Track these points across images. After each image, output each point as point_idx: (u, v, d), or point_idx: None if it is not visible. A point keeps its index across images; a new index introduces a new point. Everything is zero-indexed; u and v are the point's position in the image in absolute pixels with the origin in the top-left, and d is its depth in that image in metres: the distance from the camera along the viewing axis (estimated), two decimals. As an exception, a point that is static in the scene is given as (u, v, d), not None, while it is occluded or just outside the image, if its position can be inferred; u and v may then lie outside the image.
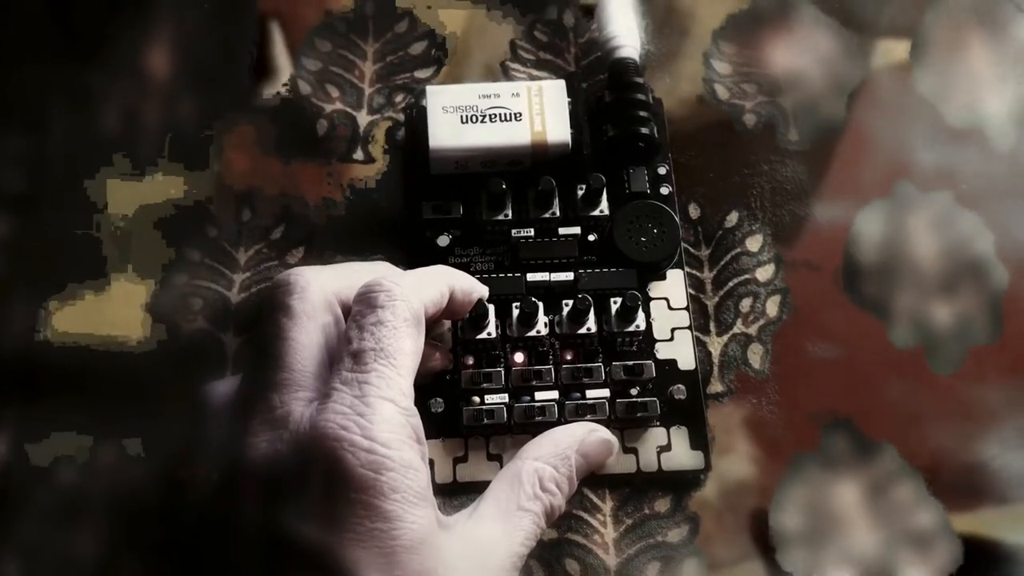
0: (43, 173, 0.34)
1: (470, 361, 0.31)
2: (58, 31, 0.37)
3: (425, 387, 0.30)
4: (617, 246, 0.32)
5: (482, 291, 0.30)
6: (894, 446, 0.31)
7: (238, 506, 0.23)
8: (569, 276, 0.32)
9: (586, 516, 0.30)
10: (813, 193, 0.35)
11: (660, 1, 0.38)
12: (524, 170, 0.33)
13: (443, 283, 0.27)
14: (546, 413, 0.30)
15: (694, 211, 0.34)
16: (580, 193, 0.33)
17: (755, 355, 0.32)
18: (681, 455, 0.30)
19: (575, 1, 0.38)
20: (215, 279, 0.33)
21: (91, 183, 0.34)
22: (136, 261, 0.33)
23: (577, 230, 0.33)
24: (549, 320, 0.31)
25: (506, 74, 0.36)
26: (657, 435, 0.31)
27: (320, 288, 0.26)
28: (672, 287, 0.32)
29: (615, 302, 0.31)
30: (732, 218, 0.34)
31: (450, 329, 0.31)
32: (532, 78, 0.36)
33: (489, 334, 0.30)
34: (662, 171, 0.34)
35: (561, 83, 0.33)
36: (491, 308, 0.30)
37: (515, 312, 0.31)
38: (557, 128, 0.32)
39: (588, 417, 0.30)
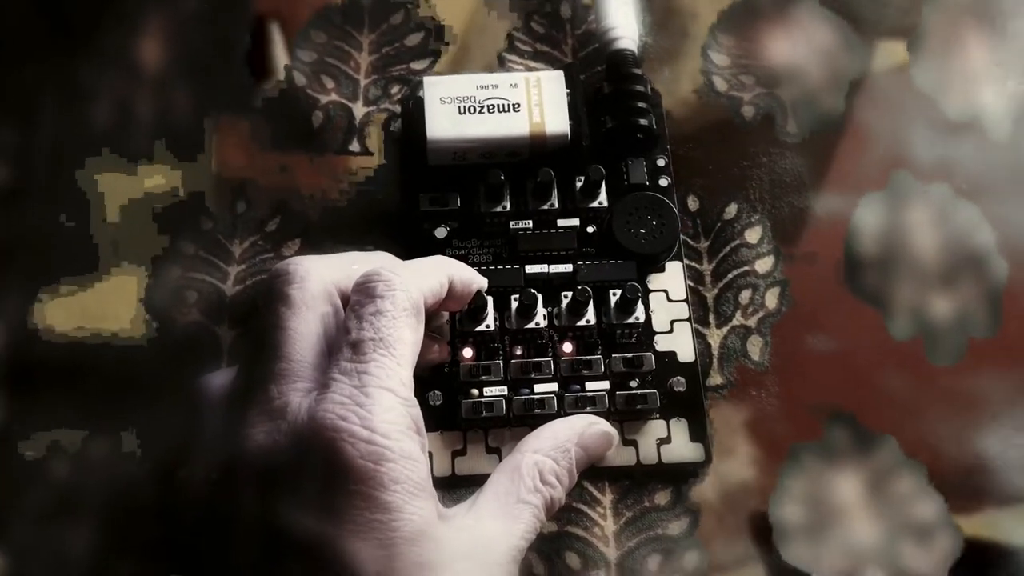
0: (34, 166, 0.34)
1: (469, 353, 0.31)
2: (49, 23, 0.37)
3: (423, 380, 0.30)
4: (616, 238, 0.32)
5: (481, 282, 0.29)
6: (894, 438, 0.31)
7: (236, 499, 0.23)
8: (568, 268, 0.32)
9: (586, 509, 0.30)
10: (812, 185, 0.34)
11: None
12: (522, 161, 0.32)
13: (442, 273, 0.27)
14: (545, 406, 0.30)
15: (693, 203, 0.34)
16: (579, 185, 0.33)
17: (754, 347, 0.32)
18: (681, 447, 0.30)
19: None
20: (209, 271, 0.33)
21: (83, 176, 0.34)
22: (129, 254, 0.33)
23: (576, 222, 0.33)
24: (548, 312, 0.31)
25: (503, 65, 0.36)
26: (657, 427, 0.30)
27: (319, 278, 0.26)
28: (671, 279, 0.32)
29: (614, 294, 0.31)
30: (731, 210, 0.34)
31: (448, 321, 0.31)
32: (529, 70, 0.36)
33: (488, 326, 0.30)
34: (661, 163, 0.34)
35: (559, 74, 0.33)
36: (490, 300, 0.30)
37: (514, 304, 0.31)
38: (556, 119, 0.32)
39: (588, 409, 0.30)
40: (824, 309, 0.33)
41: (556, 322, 0.31)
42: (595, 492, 0.30)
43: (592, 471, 0.30)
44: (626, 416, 0.30)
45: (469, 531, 0.24)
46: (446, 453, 0.30)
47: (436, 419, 0.30)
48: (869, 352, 0.32)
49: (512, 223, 0.32)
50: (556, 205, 0.32)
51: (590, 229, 0.33)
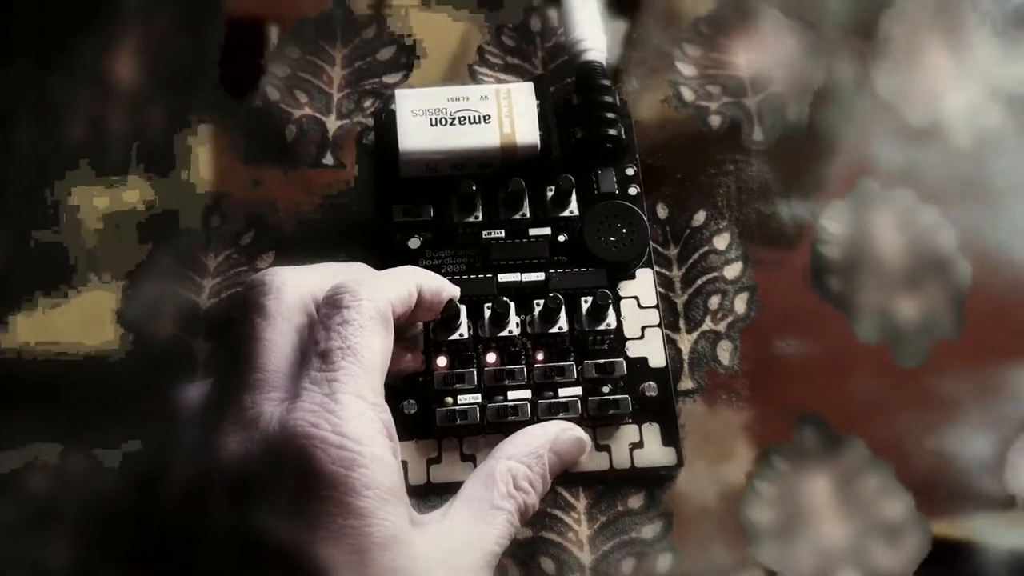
0: (8, 180, 0.34)
1: (443, 362, 0.31)
2: (22, 37, 0.37)
3: (398, 389, 0.30)
4: (587, 246, 0.32)
5: (452, 290, 0.30)
6: (861, 439, 0.31)
7: (209, 509, 0.23)
8: (540, 276, 0.32)
9: (560, 514, 0.30)
10: (778, 191, 0.35)
11: (626, 4, 0.38)
12: (494, 172, 0.33)
13: (411, 282, 0.27)
14: (519, 412, 0.30)
15: (662, 211, 0.35)
16: (550, 194, 0.33)
17: (724, 352, 0.33)
18: (653, 451, 0.31)
19: (542, 6, 0.38)
20: (185, 285, 0.33)
21: (58, 190, 0.34)
22: (104, 268, 0.33)
23: (547, 231, 0.33)
24: (521, 320, 0.31)
25: (474, 78, 0.37)
26: (629, 432, 0.31)
27: (295, 288, 0.26)
28: (642, 286, 0.33)
29: (586, 301, 0.31)
30: (699, 217, 0.35)
31: (422, 330, 0.31)
32: (500, 82, 0.37)
33: (461, 335, 0.30)
34: (630, 172, 0.34)
35: (529, 86, 0.33)
36: (463, 309, 0.30)
37: (487, 313, 0.31)
38: (526, 130, 0.32)
39: (561, 415, 0.30)
40: (792, 313, 0.33)
41: (529, 330, 0.31)
42: (569, 497, 0.31)
43: (566, 476, 0.30)
44: (599, 421, 0.31)
45: (443, 537, 0.25)
46: (421, 461, 0.30)
47: (411, 428, 0.30)
48: (837, 355, 0.33)
49: (484, 233, 0.33)
50: (528, 215, 0.33)
51: (561, 238, 0.33)
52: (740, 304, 0.33)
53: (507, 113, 0.33)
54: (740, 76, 0.37)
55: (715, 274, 0.34)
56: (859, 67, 0.37)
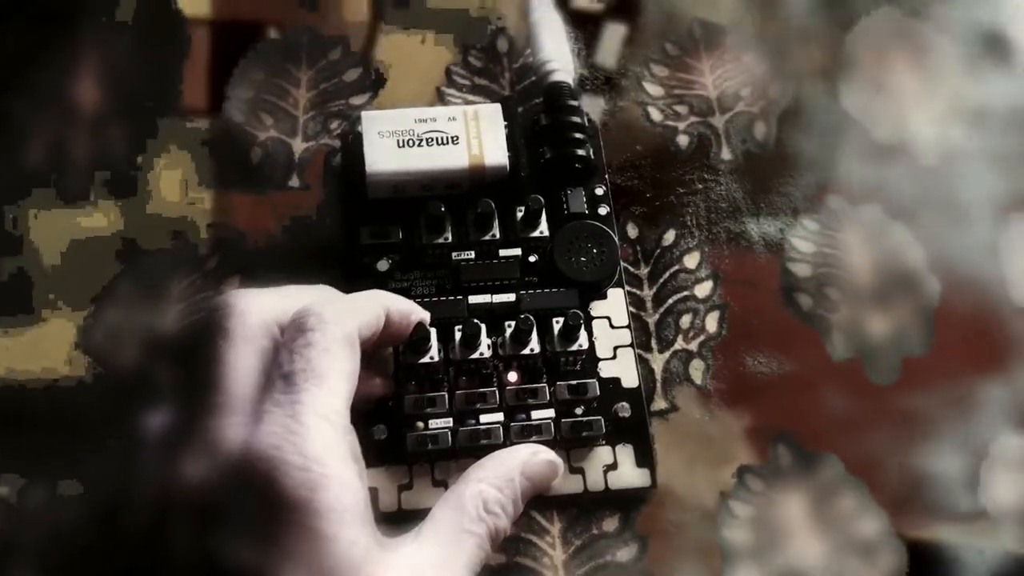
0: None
1: (413, 386, 0.30)
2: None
3: (367, 414, 0.30)
4: (558, 266, 0.32)
5: (421, 314, 0.29)
6: (836, 456, 0.31)
7: (172, 535, 0.23)
8: (511, 297, 0.32)
9: (535, 539, 0.30)
10: (747, 210, 0.35)
11: (591, 25, 0.38)
12: (462, 193, 0.33)
13: (378, 306, 0.27)
14: (491, 436, 0.30)
15: (632, 230, 0.35)
16: (519, 215, 0.33)
17: (697, 371, 0.33)
18: (627, 473, 0.30)
19: (508, 28, 0.38)
20: (149, 311, 0.32)
21: (18, 216, 0.33)
22: (66, 295, 0.32)
23: (518, 251, 0.33)
24: (492, 342, 0.31)
25: (441, 99, 0.37)
26: (603, 454, 0.30)
27: (259, 312, 0.25)
28: (613, 306, 0.33)
29: (557, 322, 0.31)
30: (669, 236, 0.35)
31: (392, 354, 0.31)
32: (467, 103, 0.36)
33: (432, 358, 0.30)
34: (599, 192, 0.34)
35: (497, 107, 0.33)
36: (433, 332, 0.30)
37: (457, 335, 0.31)
38: (494, 151, 0.32)
39: (534, 438, 0.30)
40: (763, 331, 0.33)
41: (500, 352, 0.31)
42: (543, 521, 0.30)
43: (540, 500, 0.29)
44: (572, 443, 0.30)
45: (412, 561, 0.24)
46: (392, 487, 0.30)
47: (381, 453, 0.30)
48: (809, 372, 0.33)
49: (454, 254, 0.32)
50: (498, 235, 0.33)
51: (532, 258, 0.33)
52: (711, 323, 0.33)
53: (475, 134, 0.32)
54: (707, 96, 0.37)
55: (686, 293, 0.34)
56: (826, 85, 0.38)
